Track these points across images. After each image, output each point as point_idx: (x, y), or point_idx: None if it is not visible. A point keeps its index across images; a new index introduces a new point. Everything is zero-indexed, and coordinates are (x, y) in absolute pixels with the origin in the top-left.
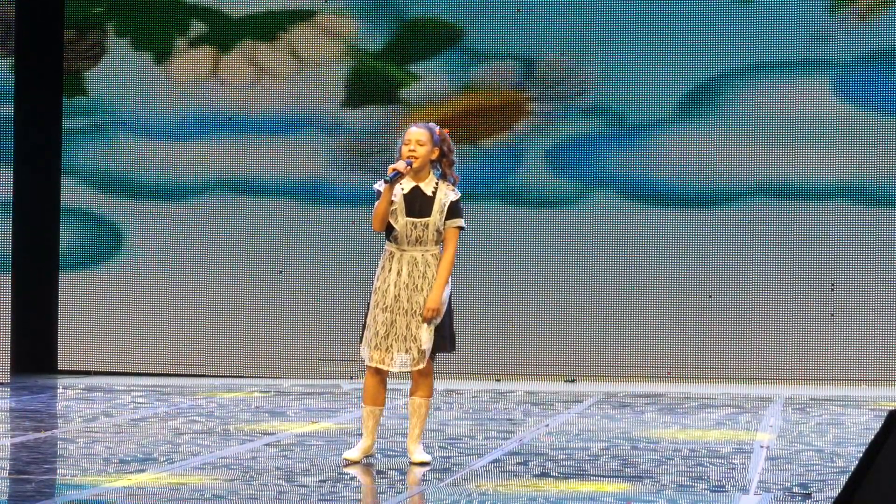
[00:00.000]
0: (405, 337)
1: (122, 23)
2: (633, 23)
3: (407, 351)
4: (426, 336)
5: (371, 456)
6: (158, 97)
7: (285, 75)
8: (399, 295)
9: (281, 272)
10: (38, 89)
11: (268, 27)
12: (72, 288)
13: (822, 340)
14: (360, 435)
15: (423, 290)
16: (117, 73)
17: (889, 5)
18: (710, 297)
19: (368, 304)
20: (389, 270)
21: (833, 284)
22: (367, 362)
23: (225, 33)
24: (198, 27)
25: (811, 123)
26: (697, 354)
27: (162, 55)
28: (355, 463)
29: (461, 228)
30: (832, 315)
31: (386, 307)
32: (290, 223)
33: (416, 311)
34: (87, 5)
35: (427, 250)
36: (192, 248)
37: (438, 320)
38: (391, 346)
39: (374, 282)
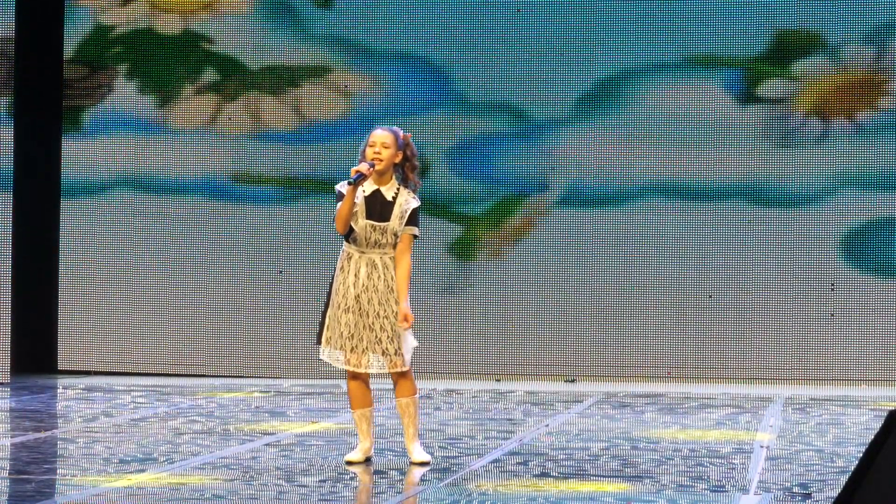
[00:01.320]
0: (370, 338)
1: (134, 64)
2: (532, 20)
3: (381, 353)
4: (408, 342)
5: (370, 457)
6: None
7: (285, 129)
8: (359, 296)
9: (281, 272)
10: (37, 101)
11: (279, 81)
12: (72, 288)
13: (822, 340)
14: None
15: (380, 291)
16: (117, 110)
17: None
18: (710, 297)
19: (325, 304)
20: (348, 272)
21: (833, 284)
22: (335, 364)
23: (236, 83)
24: (210, 75)
25: (709, 122)
26: (697, 354)
27: (166, 99)
28: (357, 464)
29: (416, 237)
30: (832, 315)
31: (348, 308)
32: (290, 223)
33: (378, 314)
34: (105, 45)
35: (385, 253)
36: (193, 248)
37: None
38: (356, 346)
39: (332, 283)
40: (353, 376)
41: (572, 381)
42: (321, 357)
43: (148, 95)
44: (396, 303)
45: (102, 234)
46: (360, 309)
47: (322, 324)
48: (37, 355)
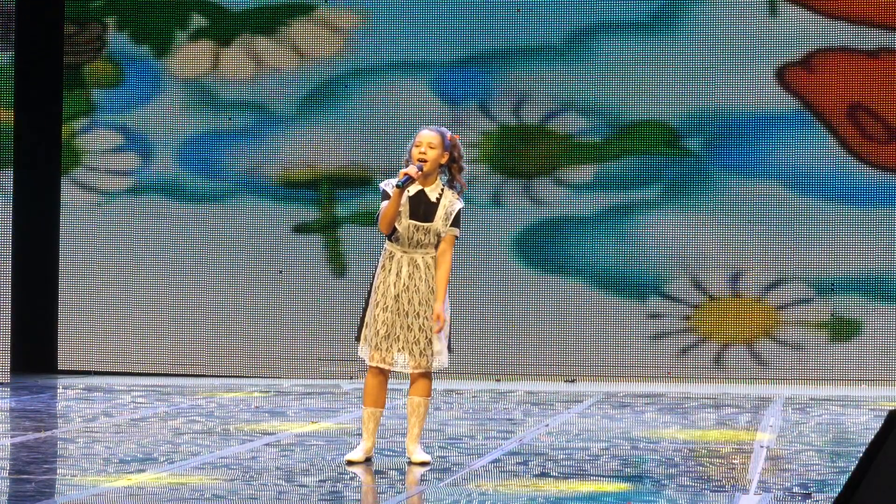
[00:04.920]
0: (406, 338)
1: (122, 17)
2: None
3: (410, 352)
4: (438, 345)
5: (370, 458)
6: (159, 95)
7: (286, 69)
8: (399, 296)
9: (281, 272)
10: (38, 86)
11: (267, 21)
12: (72, 288)
13: (822, 340)
14: (360, 435)
15: (421, 291)
16: (117, 67)
17: None
18: (710, 297)
19: (366, 301)
20: (389, 271)
21: (833, 284)
22: (368, 361)
23: (225, 28)
24: (198, 21)
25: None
26: (697, 354)
27: (162, 49)
28: (357, 464)
29: (457, 237)
30: (832, 315)
31: (386, 307)
32: (290, 223)
33: (417, 314)
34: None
35: (428, 253)
36: (193, 247)
37: (447, 328)
38: (391, 346)
39: (374, 280)
40: (375, 374)
41: (572, 381)
42: (359, 354)
43: (143, 46)
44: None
45: (102, 233)
46: (399, 309)
47: (362, 321)
48: (37, 355)
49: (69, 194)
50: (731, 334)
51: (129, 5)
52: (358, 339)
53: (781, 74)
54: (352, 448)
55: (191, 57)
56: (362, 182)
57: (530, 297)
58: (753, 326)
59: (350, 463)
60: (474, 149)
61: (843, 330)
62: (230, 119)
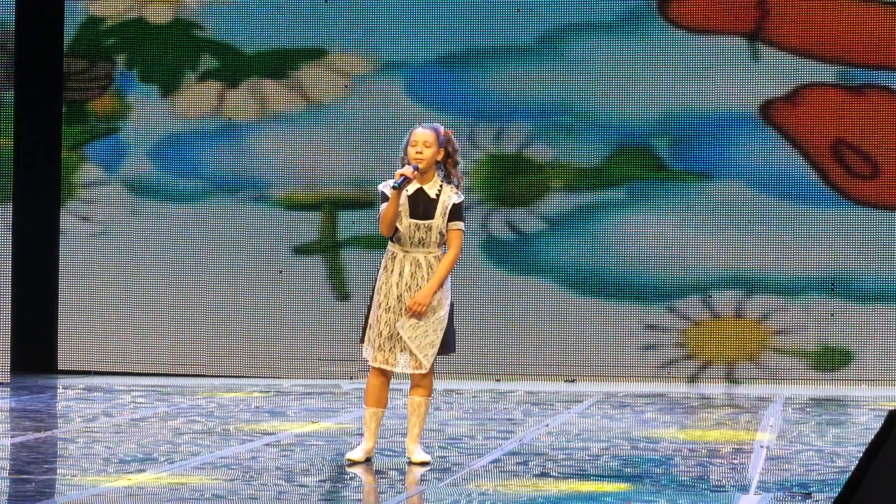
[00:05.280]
0: (408, 337)
1: (132, 55)
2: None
3: (411, 352)
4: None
5: (371, 458)
6: (161, 120)
7: (291, 112)
8: (402, 296)
9: (281, 272)
10: (38, 86)
11: (277, 64)
12: (72, 288)
13: (821, 340)
14: (360, 435)
15: None
16: (122, 101)
17: None
18: (710, 296)
19: (370, 303)
20: (392, 271)
21: (833, 284)
22: (370, 362)
23: (235, 69)
24: (208, 62)
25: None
26: (697, 354)
27: (169, 88)
28: (358, 463)
29: (462, 231)
30: (832, 315)
31: (389, 307)
32: (290, 223)
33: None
34: (98, 37)
35: (430, 252)
36: (193, 247)
37: (437, 322)
38: (394, 346)
39: (377, 281)
40: (378, 374)
41: (572, 381)
42: (363, 355)
43: (150, 85)
44: (439, 303)
45: (102, 234)
46: (402, 309)
47: (366, 322)
48: (37, 355)
49: (69, 194)
50: (724, 351)
51: (141, 45)
52: (362, 340)
53: (766, 109)
54: (352, 448)
55: (197, 95)
56: (364, 204)
57: (531, 298)
58: (749, 344)
59: (351, 462)
60: (471, 177)
61: (835, 358)
62: (230, 119)
